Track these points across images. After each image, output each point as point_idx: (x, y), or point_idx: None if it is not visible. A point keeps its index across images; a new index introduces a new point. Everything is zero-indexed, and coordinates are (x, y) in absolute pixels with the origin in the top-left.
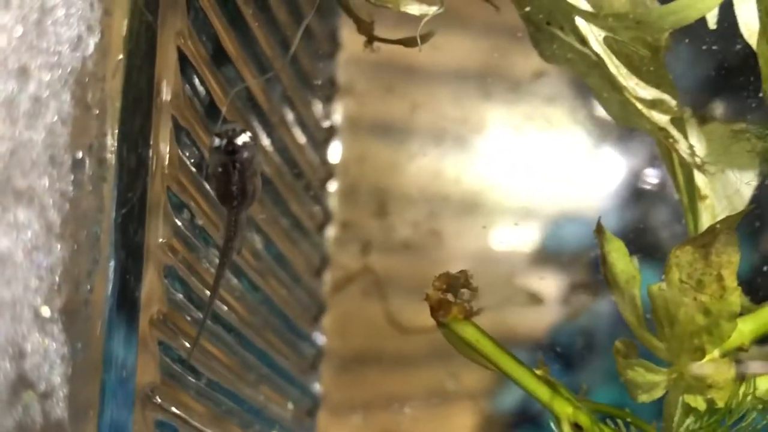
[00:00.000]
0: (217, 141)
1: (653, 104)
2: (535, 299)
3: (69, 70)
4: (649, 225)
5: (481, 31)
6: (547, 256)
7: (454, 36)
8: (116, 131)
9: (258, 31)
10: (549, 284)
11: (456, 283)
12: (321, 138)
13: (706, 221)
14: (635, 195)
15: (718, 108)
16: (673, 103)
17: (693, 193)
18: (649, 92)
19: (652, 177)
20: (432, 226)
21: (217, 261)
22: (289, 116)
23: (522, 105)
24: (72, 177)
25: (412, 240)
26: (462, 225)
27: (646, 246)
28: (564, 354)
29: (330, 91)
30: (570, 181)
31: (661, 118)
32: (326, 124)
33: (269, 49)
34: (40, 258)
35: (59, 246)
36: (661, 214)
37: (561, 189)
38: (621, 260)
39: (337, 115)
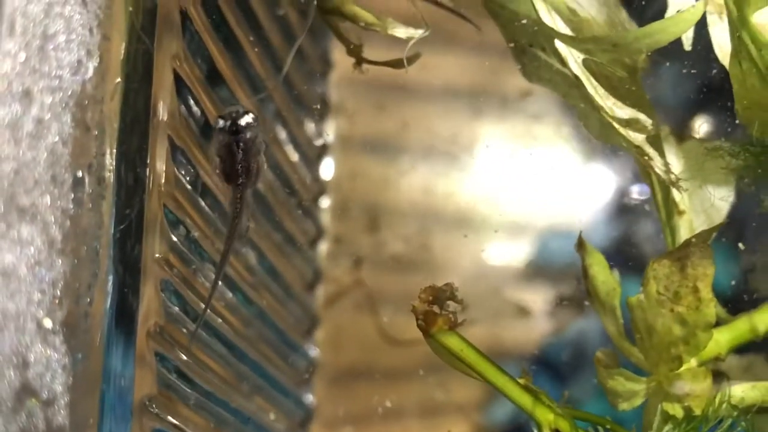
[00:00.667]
0: (221, 122)
1: (629, 123)
2: (524, 312)
3: (69, 93)
4: (635, 239)
5: (470, 50)
6: (536, 270)
7: (443, 55)
8: (114, 151)
9: (251, 53)
10: (538, 298)
11: (442, 296)
12: (313, 155)
13: (684, 235)
14: (622, 209)
15: (703, 126)
16: (648, 122)
17: (670, 208)
18: (625, 111)
19: (638, 192)
20: (423, 241)
21: (212, 275)
22: (282, 134)
23: (511, 122)
24: (72, 195)
25: (404, 254)
26: (452, 240)
27: (633, 259)
28: (555, 366)
29: (322, 110)
30: (558, 196)
31: (637, 137)
32: (319, 142)
33: (263, 69)
34: (42, 272)
35: (60, 261)
36: (648, 228)
37: (549, 204)
38: (601, 273)
39: (330, 133)
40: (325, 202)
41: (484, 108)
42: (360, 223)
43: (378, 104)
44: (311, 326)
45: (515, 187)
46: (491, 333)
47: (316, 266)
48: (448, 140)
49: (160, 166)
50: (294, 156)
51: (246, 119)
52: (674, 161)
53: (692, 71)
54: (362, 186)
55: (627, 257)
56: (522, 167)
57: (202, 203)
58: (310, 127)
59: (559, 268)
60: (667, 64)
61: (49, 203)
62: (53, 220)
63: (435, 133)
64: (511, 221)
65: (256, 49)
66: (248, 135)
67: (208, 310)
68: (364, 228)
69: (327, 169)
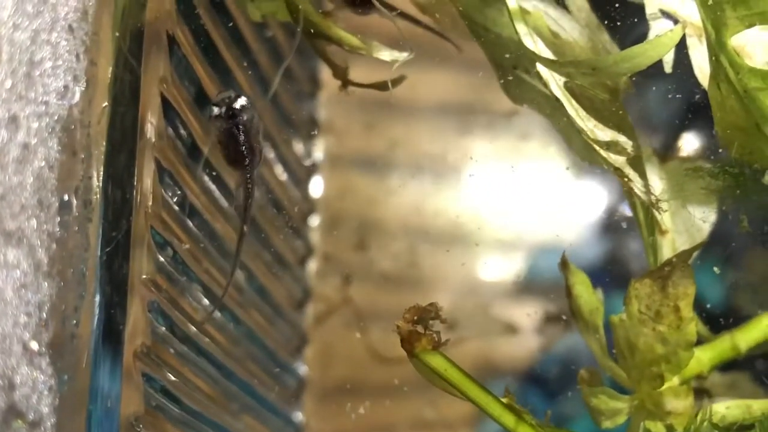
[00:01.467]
0: (216, 110)
1: (609, 146)
2: (513, 329)
3: (56, 118)
4: (625, 255)
5: (458, 68)
6: (525, 287)
7: (431, 74)
8: (101, 174)
9: (239, 74)
10: (527, 314)
11: (426, 315)
12: (302, 174)
13: (666, 254)
14: (610, 226)
15: (690, 144)
16: (629, 144)
17: (652, 228)
18: (606, 134)
19: (627, 209)
20: (412, 259)
21: (200, 294)
22: (271, 154)
23: (499, 140)
24: (59, 218)
25: (393, 272)
26: (441, 257)
27: (621, 276)
28: (545, 383)
29: (311, 129)
30: (546, 213)
31: (617, 159)
32: (308, 161)
33: (251, 90)
34: (28, 295)
35: (47, 284)
36: (636, 245)
37: (538, 221)
38: (585, 292)
39: (319, 152)
40: (314, 221)
41: (473, 126)
42: (349, 241)
43: (367, 123)
44: (300, 344)
45: (504, 204)
46: (480, 350)
47: (306, 284)
48: (436, 158)
49: (147, 187)
50: (283, 175)
51: (240, 102)
52: (656, 181)
53: (677, 91)
54: (351, 204)
55: (615, 274)
56: (510, 184)
57: (190, 224)
58: (299, 146)
59: (548, 284)
60: (653, 83)
61: (35, 227)
62: (39, 243)
63: (424, 152)
64: (500, 238)
65: (243, 71)
66: (245, 117)
67: (197, 330)
68: (353, 246)
69: (316, 187)
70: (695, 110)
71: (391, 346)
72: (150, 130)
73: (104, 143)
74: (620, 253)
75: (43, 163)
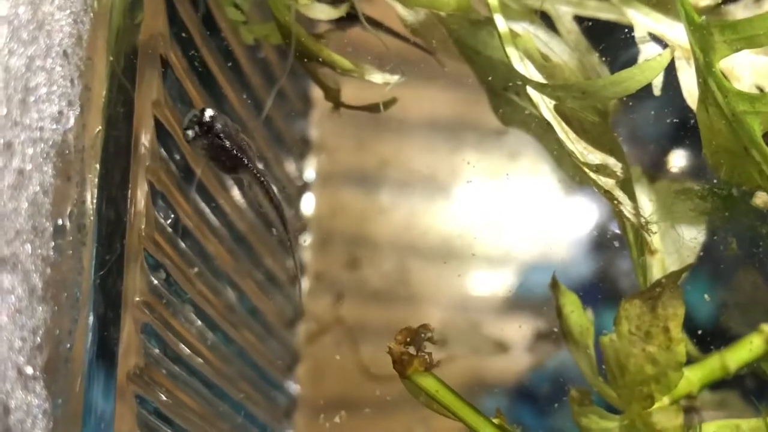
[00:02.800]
0: (190, 133)
1: (599, 169)
2: (504, 345)
3: (51, 143)
4: (615, 273)
5: (448, 86)
6: (516, 303)
7: (422, 91)
8: (95, 198)
9: (232, 95)
10: (518, 330)
11: (418, 337)
12: (294, 193)
13: (656, 274)
14: (601, 243)
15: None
16: (618, 166)
17: (642, 248)
18: (595, 156)
19: (617, 226)
20: (403, 276)
21: (193, 315)
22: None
23: (490, 157)
24: (53, 243)
25: (384, 289)
26: (432, 274)
27: (612, 293)
28: (536, 399)
29: (303, 148)
30: (537, 230)
31: (607, 182)
32: (299, 180)
33: (243, 111)
34: (23, 320)
35: (41, 308)
36: (627, 262)
37: (529, 238)
38: (575, 313)
39: (311, 170)
40: (305, 239)
41: (464, 143)
42: (341, 259)
43: (358, 141)
44: (292, 363)
45: (494, 221)
46: (471, 366)
47: (297, 303)
48: (427, 175)
49: (141, 210)
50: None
51: (207, 114)
52: (645, 202)
53: (665, 111)
54: (343, 222)
55: (606, 290)
56: (501, 201)
57: (183, 245)
58: (290, 165)
59: (538, 300)
60: (641, 103)
61: (30, 252)
62: (34, 268)
63: (414, 169)
64: (491, 254)
65: (236, 93)
66: (219, 124)
67: (190, 351)
68: (345, 264)
69: (308, 205)
70: (683, 130)
71: (382, 364)
72: (143, 153)
73: (98, 168)
74: (611, 270)
75: (37, 188)
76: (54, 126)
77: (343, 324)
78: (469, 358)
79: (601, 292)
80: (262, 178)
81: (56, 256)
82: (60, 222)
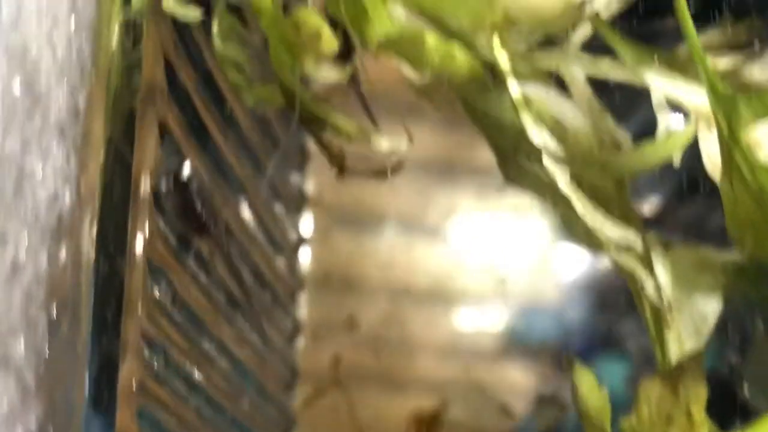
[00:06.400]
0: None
1: (620, 247)
2: (506, 412)
3: (46, 229)
4: (613, 314)
5: (442, 123)
6: (513, 347)
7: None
8: (91, 284)
9: (230, 156)
10: (517, 375)
11: (431, 421)
12: (290, 248)
13: (673, 348)
14: (599, 284)
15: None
16: (638, 241)
17: (660, 325)
18: (614, 231)
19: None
20: (400, 321)
21: (188, 392)
22: (258, 233)
23: (485, 196)
24: (48, 336)
25: (382, 339)
26: (431, 324)
27: (610, 336)
28: None
29: (300, 202)
30: (535, 271)
31: (629, 262)
32: (294, 235)
33: (241, 171)
34: (15, 423)
35: (33, 406)
36: (626, 304)
37: (526, 280)
38: (592, 392)
39: (307, 224)
40: (301, 296)
41: (460, 183)
42: (337, 315)
43: (354, 193)
44: (287, 427)
45: (493, 262)
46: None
47: (294, 364)
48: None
49: (138, 293)
50: (269, 250)
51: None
52: (662, 273)
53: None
54: (339, 275)
55: (606, 333)
56: (496, 241)
57: (180, 322)
58: (286, 219)
59: (536, 344)
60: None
61: (23, 348)
62: (27, 365)
63: (415, 218)
64: (490, 297)
65: (235, 153)
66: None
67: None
68: (342, 319)
69: (304, 261)
70: (696, 188)
71: (383, 424)
72: (140, 234)
73: (93, 252)
74: (609, 312)
75: (31, 279)
76: (49, 210)
77: (340, 385)
78: (471, 421)
79: (599, 334)
80: (225, 247)
81: (50, 349)
82: (54, 313)
